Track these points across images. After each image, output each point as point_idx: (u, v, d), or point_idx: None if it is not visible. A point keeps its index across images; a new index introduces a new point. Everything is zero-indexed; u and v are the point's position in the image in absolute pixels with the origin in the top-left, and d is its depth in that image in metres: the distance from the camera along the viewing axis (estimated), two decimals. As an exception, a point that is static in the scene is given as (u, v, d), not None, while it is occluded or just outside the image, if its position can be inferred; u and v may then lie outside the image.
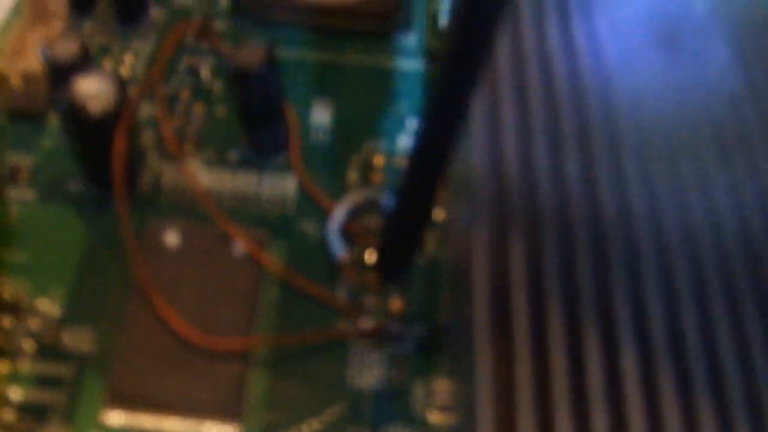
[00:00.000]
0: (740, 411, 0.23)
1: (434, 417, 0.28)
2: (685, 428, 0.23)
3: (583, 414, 0.23)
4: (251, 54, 0.31)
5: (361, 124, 0.36)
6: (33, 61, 0.35)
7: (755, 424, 0.23)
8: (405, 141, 0.35)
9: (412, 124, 0.36)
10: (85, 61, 0.32)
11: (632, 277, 0.26)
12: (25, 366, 0.29)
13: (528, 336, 0.25)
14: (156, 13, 0.39)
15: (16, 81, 0.35)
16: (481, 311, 0.25)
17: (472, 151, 0.29)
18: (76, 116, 0.30)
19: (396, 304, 0.30)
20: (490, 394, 0.24)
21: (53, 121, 0.35)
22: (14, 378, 0.28)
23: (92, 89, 0.30)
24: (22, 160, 0.34)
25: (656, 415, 0.23)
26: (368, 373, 0.29)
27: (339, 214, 0.32)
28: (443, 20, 0.40)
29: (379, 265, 0.31)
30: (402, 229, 0.30)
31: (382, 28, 0.39)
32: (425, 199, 0.28)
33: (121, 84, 0.30)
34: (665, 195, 0.28)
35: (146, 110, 0.35)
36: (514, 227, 0.27)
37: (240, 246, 0.31)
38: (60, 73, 0.31)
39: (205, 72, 0.37)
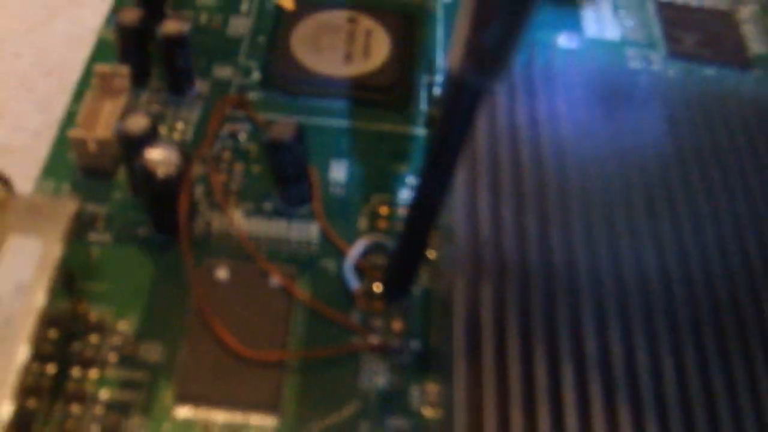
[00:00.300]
0: (652, 409, 0.29)
1: (427, 412, 0.33)
2: (609, 427, 0.28)
3: (532, 411, 0.29)
4: (283, 129, 0.36)
5: (370, 181, 0.40)
6: (105, 130, 0.38)
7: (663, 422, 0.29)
8: (405, 194, 0.39)
9: (411, 180, 0.40)
10: (153, 134, 0.36)
11: (573, 312, 0.31)
12: (111, 373, 0.33)
13: (492, 356, 0.29)
14: (200, 85, 0.44)
15: (91, 146, 0.38)
16: (458, 338, 0.30)
17: (454, 207, 0.33)
18: (147, 179, 0.35)
19: (397, 324, 0.35)
20: (464, 397, 0.29)
21: (122, 177, 0.39)
22: (102, 382, 0.33)
23: (160, 158, 0.35)
24: (97, 209, 0.38)
25: (587, 416, 0.29)
26: (376, 378, 0.34)
27: (353, 254, 0.36)
28: (437, 91, 0.45)
29: (385, 292, 0.35)
30: (402, 263, 0.34)
31: (387, 99, 0.43)
32: (420, 241, 0.33)
33: (183, 153, 0.36)
34: (602, 244, 0.33)
35: (196, 169, 0.39)
36: (485, 272, 0.31)
37: (275, 279, 0.36)
38: (131, 145, 0.35)
39: (242, 136, 0.41)
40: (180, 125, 0.42)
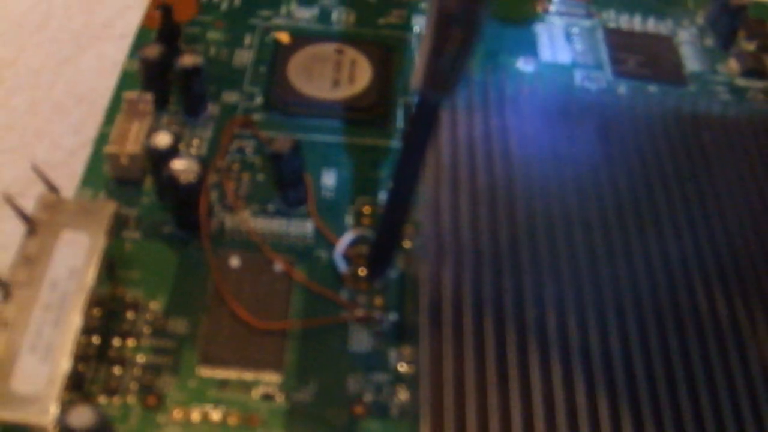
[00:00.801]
0: (579, 364, 0.34)
1: (402, 368, 0.37)
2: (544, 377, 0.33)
3: (481, 367, 0.32)
4: (282, 143, 0.40)
5: (355, 185, 0.44)
6: (134, 146, 0.42)
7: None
8: (384, 196, 0.43)
9: (389, 184, 0.43)
10: (175, 148, 0.41)
11: (516, 285, 0.35)
12: (145, 342, 0.37)
13: (451, 325, 0.33)
14: (212, 108, 0.48)
15: (123, 159, 0.42)
16: (424, 311, 0.34)
17: (421, 203, 0.38)
18: (172, 185, 0.39)
19: (378, 300, 0.39)
20: (429, 357, 0.32)
21: (148, 186, 0.43)
22: (138, 349, 0.37)
23: (183, 168, 0.39)
24: (129, 212, 0.42)
25: (526, 370, 0.33)
26: (361, 343, 0.38)
27: (341, 244, 0.41)
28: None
29: (368, 273, 0.39)
30: (381, 250, 0.38)
31: (369, 118, 0.47)
32: (395, 231, 0.37)
33: (201, 164, 0.41)
34: (541, 227, 0.38)
35: (211, 177, 0.43)
36: (446, 256, 0.35)
37: (278, 266, 0.40)
38: (158, 157, 0.40)
39: (249, 150, 0.45)
40: (196, 142, 0.46)
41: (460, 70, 0.31)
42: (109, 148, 0.42)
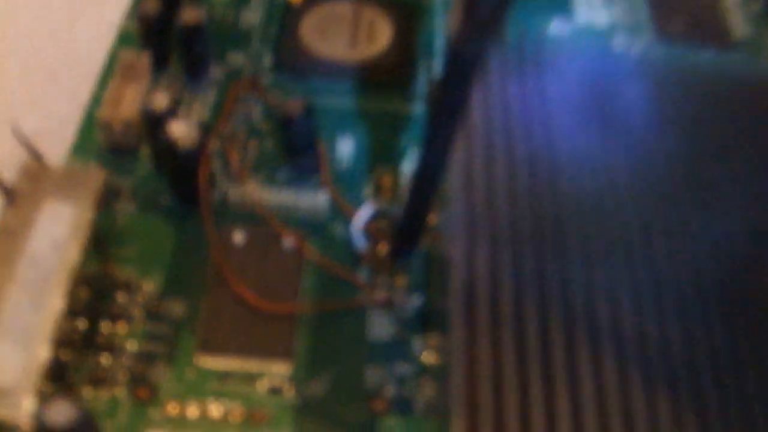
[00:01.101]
0: (636, 362, 0.30)
1: (428, 359, 0.35)
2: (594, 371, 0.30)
3: (523, 364, 0.29)
4: (293, 106, 0.38)
5: (373, 154, 0.42)
6: (129, 110, 0.40)
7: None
8: (407, 165, 0.41)
9: (412, 153, 0.41)
10: (174, 110, 0.38)
11: (562, 269, 0.32)
12: (137, 326, 0.35)
13: (487, 313, 0.31)
14: (215, 70, 0.45)
15: (117, 125, 0.40)
16: (455, 297, 0.31)
17: (451, 176, 0.35)
18: (170, 151, 0.36)
19: (401, 281, 0.37)
20: (461, 350, 0.30)
21: (144, 152, 0.40)
22: (130, 335, 0.34)
23: (182, 132, 0.36)
24: (122, 182, 0.40)
25: (574, 366, 0.30)
26: (381, 330, 0.35)
27: (359, 218, 0.38)
28: (436, 72, 0.44)
29: (391, 253, 0.37)
30: (407, 227, 0.35)
31: (390, 80, 0.45)
32: (423, 206, 0.34)
33: (202, 128, 0.38)
34: (588, 204, 0.34)
35: (213, 145, 0.40)
36: (479, 235, 0.33)
37: (288, 242, 0.37)
38: (155, 121, 0.37)
39: (256, 116, 0.43)
40: (197, 106, 0.43)
41: (501, 14, 0.27)
42: (101, 113, 0.40)
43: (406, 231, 0.36)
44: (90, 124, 0.42)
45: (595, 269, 0.32)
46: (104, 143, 0.41)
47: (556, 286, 0.32)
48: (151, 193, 0.40)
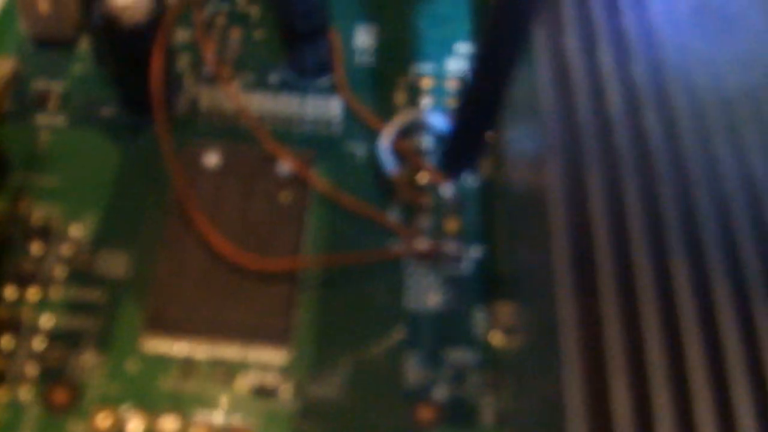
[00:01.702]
0: None
1: (496, 340, 0.27)
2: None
3: (675, 345, 0.22)
4: None
5: (406, 48, 0.35)
6: None
7: None
8: (454, 64, 0.34)
9: (460, 48, 0.35)
10: None
11: (717, 202, 0.24)
12: (57, 292, 0.28)
13: (611, 275, 0.23)
14: None
15: (42, 4, 0.33)
16: (561, 246, 0.24)
17: (538, 74, 0.27)
18: (110, 29, 0.29)
19: (452, 224, 0.29)
20: (575, 328, 0.22)
21: (84, 46, 0.34)
22: (45, 305, 0.28)
23: (127, 1, 0.29)
24: (52, 86, 0.33)
25: (753, 341, 0.22)
26: (425, 296, 0.28)
27: (390, 132, 0.31)
28: None
29: (445, 161, 0.30)
30: (465, 134, 0.29)
31: None
32: (489, 105, 0.28)
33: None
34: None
35: (181, 35, 0.34)
36: (588, 155, 0.25)
37: (285, 165, 0.30)
38: None
39: None
40: None
41: None
42: None
43: (462, 141, 0.29)
44: (11, 9, 0.36)
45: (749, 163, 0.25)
46: (30, 33, 0.35)
47: (712, 226, 0.24)
48: (90, 101, 0.33)
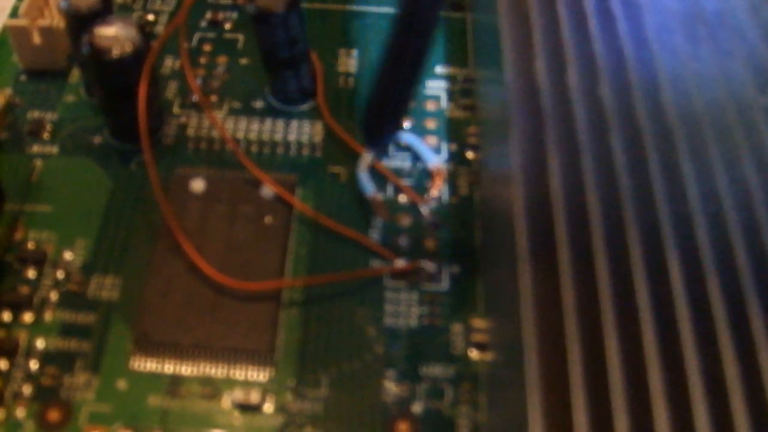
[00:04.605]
0: None
1: (476, 355, 0.27)
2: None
3: (634, 337, 0.22)
4: None
5: None
6: (53, 19, 0.34)
7: None
8: (433, 85, 0.34)
9: (438, 69, 0.35)
10: (106, 11, 0.31)
11: (677, 205, 0.25)
12: (50, 316, 0.28)
13: (571, 264, 0.23)
14: None
15: (35, 37, 0.33)
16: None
17: (506, 82, 0.27)
18: (96, 61, 0.29)
19: (430, 243, 0.29)
20: (536, 332, 0.22)
21: (75, 77, 0.34)
22: (40, 328, 0.28)
23: (113, 34, 0.29)
24: (44, 115, 0.33)
25: (707, 327, 0.22)
26: (405, 313, 0.28)
27: (369, 155, 0.31)
28: None
29: (365, 130, 0.30)
30: (383, 101, 0.29)
31: None
32: (406, 78, 0.27)
33: (142, 29, 0.30)
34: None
35: (169, 64, 0.34)
36: (553, 172, 0.25)
37: (268, 189, 0.30)
38: (81, 24, 0.30)
39: (228, 25, 0.36)
40: (151, 17, 0.37)
41: None
42: (15, 21, 0.34)
43: (380, 109, 0.29)
44: (5, 39, 0.36)
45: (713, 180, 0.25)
46: (23, 64, 0.35)
47: (676, 244, 0.24)
48: (81, 129, 0.33)
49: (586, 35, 0.29)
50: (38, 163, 0.32)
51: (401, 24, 0.26)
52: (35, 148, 0.32)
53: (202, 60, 0.35)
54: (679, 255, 0.23)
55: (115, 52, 0.29)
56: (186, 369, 0.27)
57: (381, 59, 0.28)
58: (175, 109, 0.33)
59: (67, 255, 0.29)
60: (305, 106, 0.33)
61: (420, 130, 0.32)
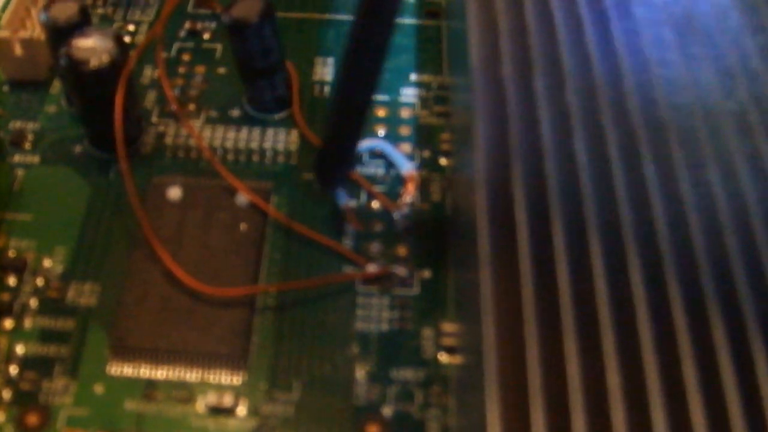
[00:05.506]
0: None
1: (445, 358, 0.27)
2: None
3: (592, 340, 0.22)
4: (249, 7, 0.30)
5: None
6: (35, 30, 0.34)
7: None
8: (408, 93, 0.34)
9: (413, 76, 0.35)
10: (85, 23, 0.31)
11: (639, 210, 0.25)
12: (30, 322, 0.28)
13: (532, 268, 0.23)
14: None
15: (17, 48, 0.34)
16: (484, 243, 0.24)
17: (472, 87, 0.27)
18: (74, 72, 0.29)
19: (401, 249, 0.29)
20: (495, 332, 0.23)
21: (56, 87, 0.34)
22: (19, 334, 0.28)
23: (90, 45, 0.29)
24: (25, 125, 0.33)
25: (666, 330, 0.22)
26: (376, 318, 0.28)
27: None
28: None
29: (318, 174, 0.30)
30: (335, 144, 0.29)
31: None
32: (358, 110, 0.27)
33: (120, 41, 0.30)
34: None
35: (148, 75, 0.34)
36: (516, 178, 0.25)
37: (243, 197, 0.30)
38: (60, 36, 0.31)
39: (206, 35, 0.36)
40: (131, 28, 0.37)
41: None
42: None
43: (332, 153, 0.29)
44: None
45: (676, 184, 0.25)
46: (4, 75, 0.35)
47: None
48: (62, 139, 0.33)
49: (554, 41, 0.28)
50: (20, 172, 0.32)
51: (347, 77, 0.27)
52: (17, 158, 0.32)
53: (181, 69, 0.35)
54: (640, 259, 0.23)
55: (93, 64, 0.29)
56: (161, 373, 0.27)
57: (329, 110, 0.28)
58: (154, 118, 0.33)
59: (47, 262, 0.29)
60: (281, 115, 0.33)
61: (393, 138, 0.32)
